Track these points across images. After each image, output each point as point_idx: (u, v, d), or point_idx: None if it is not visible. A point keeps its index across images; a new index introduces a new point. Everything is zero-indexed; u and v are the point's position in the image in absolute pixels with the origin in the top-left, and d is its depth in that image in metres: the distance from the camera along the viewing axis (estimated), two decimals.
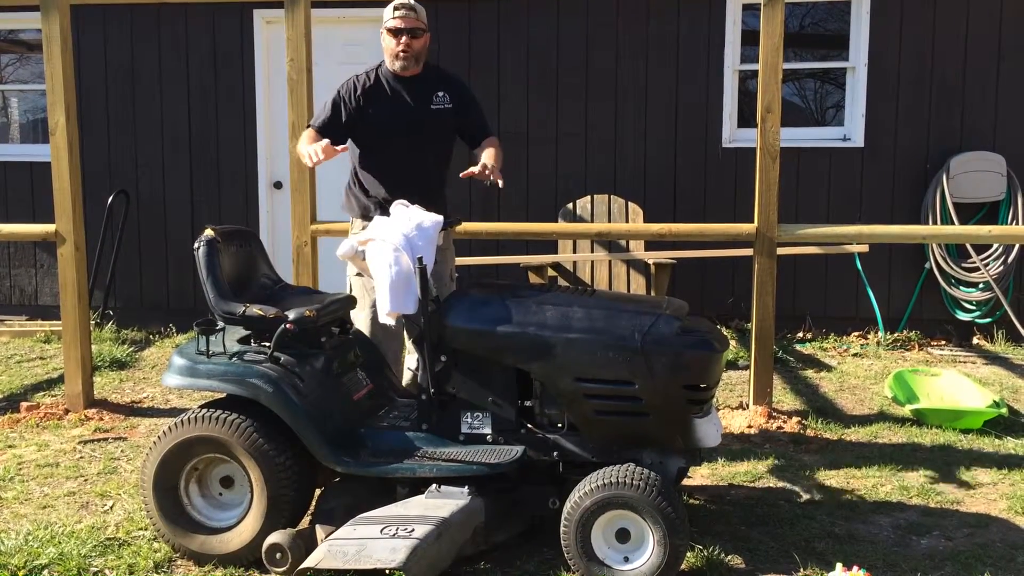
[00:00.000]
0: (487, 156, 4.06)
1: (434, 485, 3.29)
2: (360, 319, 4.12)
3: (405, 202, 3.83)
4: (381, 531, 3.07)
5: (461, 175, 3.97)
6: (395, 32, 4.14)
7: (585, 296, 3.51)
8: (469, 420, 3.42)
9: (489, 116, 4.50)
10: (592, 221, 6.53)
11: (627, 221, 6.54)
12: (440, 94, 4.24)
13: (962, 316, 7.06)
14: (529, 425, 3.40)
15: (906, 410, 5.13)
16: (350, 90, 4.23)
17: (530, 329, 3.29)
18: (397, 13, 4.15)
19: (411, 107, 4.21)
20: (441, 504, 3.20)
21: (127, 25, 7.61)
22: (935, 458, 4.52)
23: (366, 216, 4.20)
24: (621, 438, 3.31)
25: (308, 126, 4.29)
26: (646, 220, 6.59)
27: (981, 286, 6.94)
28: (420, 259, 3.36)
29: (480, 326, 3.35)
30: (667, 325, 3.26)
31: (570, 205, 6.66)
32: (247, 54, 7.56)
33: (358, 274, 4.08)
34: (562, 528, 3.15)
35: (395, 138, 4.20)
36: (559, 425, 3.40)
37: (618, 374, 3.22)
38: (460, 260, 5.36)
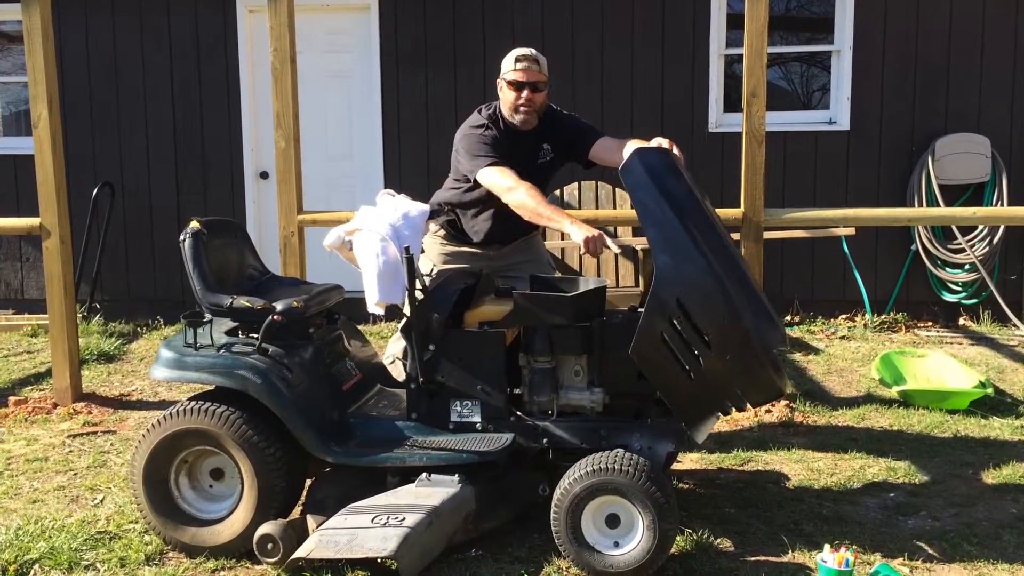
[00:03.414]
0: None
1: (424, 474, 3.29)
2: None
3: (392, 192, 3.83)
4: (372, 520, 3.08)
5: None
6: (516, 85, 3.88)
7: (740, 254, 3.43)
8: (458, 408, 3.42)
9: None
10: (579, 207, 6.53)
11: (614, 207, 6.54)
12: (545, 147, 4.04)
13: (948, 297, 7.10)
14: (519, 413, 3.40)
15: (893, 392, 5.16)
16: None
17: (685, 228, 3.13)
18: (519, 65, 3.87)
19: (520, 166, 3.93)
20: (431, 492, 3.21)
21: (108, 15, 7.56)
22: (922, 439, 4.56)
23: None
24: (651, 374, 3.22)
25: (495, 165, 3.86)
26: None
27: (967, 267, 6.98)
28: (407, 248, 3.36)
29: (655, 182, 3.17)
30: (774, 336, 3.18)
31: (557, 191, 6.65)
32: (230, 43, 7.52)
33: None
34: (552, 514, 3.17)
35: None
36: (548, 412, 3.40)
37: (710, 331, 3.10)
38: None
